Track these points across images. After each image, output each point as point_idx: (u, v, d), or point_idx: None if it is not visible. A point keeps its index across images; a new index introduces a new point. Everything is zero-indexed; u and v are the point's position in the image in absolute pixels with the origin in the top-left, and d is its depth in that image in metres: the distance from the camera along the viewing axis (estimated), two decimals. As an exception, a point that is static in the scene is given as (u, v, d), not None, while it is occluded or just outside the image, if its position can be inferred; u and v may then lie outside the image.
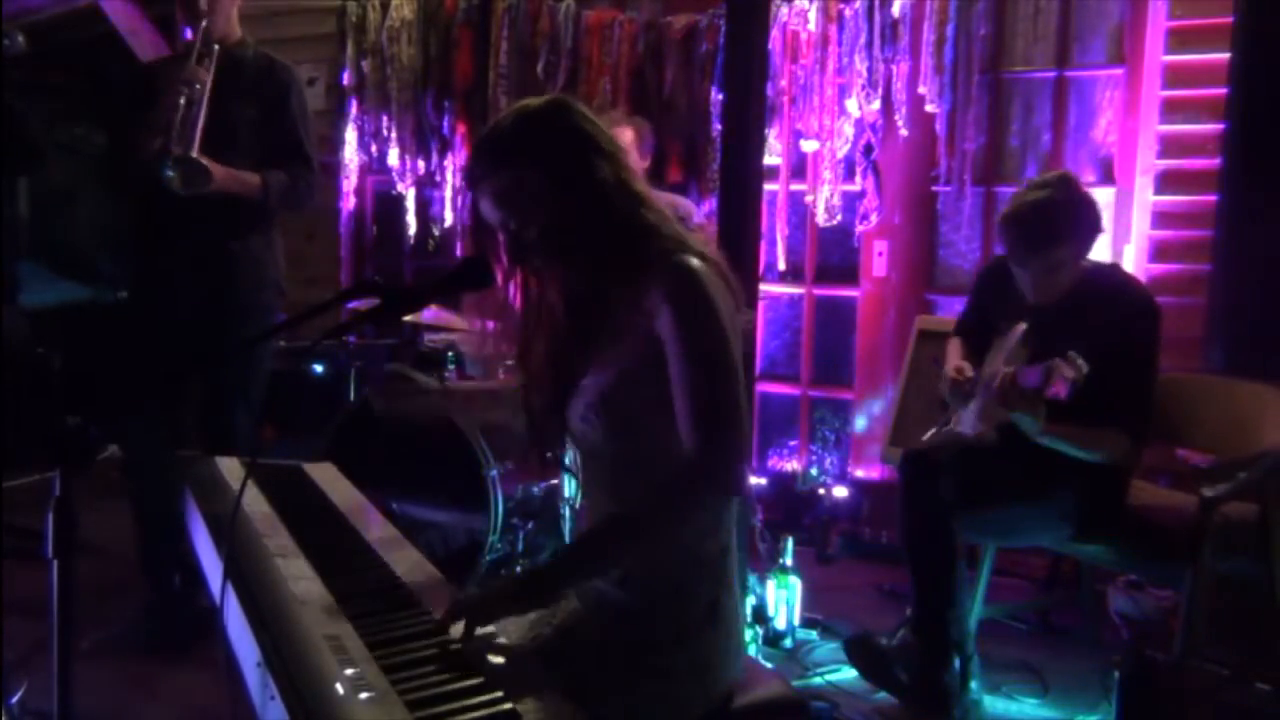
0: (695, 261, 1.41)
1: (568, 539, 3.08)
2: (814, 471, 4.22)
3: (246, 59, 3.00)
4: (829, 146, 3.95)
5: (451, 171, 4.67)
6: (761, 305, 3.77)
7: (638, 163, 3.64)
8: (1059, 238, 2.44)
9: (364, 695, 1.10)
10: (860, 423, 4.16)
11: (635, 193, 1.48)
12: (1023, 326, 2.52)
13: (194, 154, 2.73)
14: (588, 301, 1.51)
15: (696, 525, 1.45)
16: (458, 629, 1.28)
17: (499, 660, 1.25)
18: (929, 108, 3.78)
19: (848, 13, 3.87)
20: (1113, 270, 2.68)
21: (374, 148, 4.80)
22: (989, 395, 2.54)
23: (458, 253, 4.79)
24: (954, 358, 2.80)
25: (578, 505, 3.06)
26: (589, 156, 1.45)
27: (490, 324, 1.61)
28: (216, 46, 2.85)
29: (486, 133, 1.50)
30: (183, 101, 2.77)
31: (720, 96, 3.96)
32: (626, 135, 3.59)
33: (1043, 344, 2.38)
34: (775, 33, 3.90)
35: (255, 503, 1.79)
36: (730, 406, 1.38)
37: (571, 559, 1.49)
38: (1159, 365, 2.52)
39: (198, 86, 2.79)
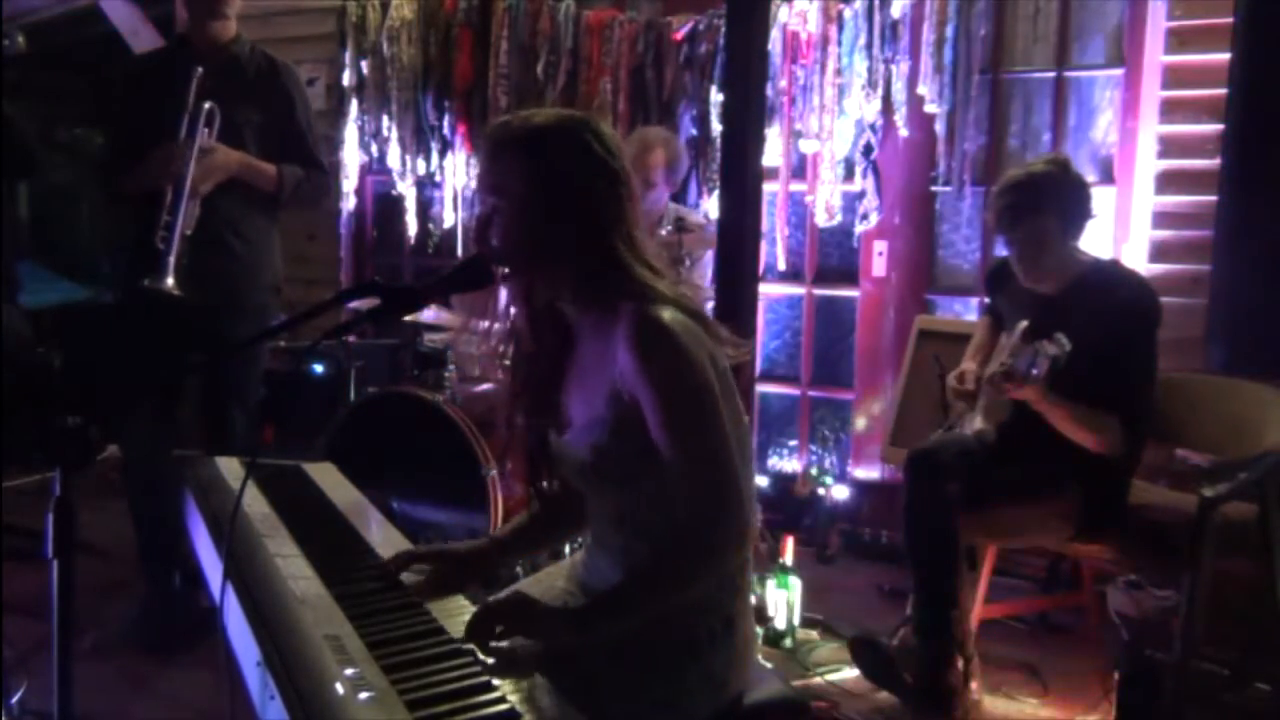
0: (666, 313, 1.38)
1: (567, 547, 3.07)
2: (814, 471, 4.21)
3: (244, 57, 2.99)
4: (829, 147, 3.94)
5: (451, 171, 4.67)
6: (761, 305, 3.77)
7: (660, 188, 3.65)
8: (1042, 207, 2.48)
9: (364, 695, 1.10)
10: (860, 423, 4.16)
11: (615, 226, 1.45)
12: (1024, 324, 2.53)
13: (168, 282, 2.73)
14: (549, 321, 1.53)
15: (711, 577, 1.42)
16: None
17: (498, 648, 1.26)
18: (929, 108, 3.77)
19: (848, 13, 3.87)
20: (1112, 265, 2.71)
21: (374, 148, 4.80)
22: (990, 394, 2.56)
23: (458, 253, 4.79)
24: (970, 351, 2.85)
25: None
26: (580, 177, 1.43)
27: (483, 324, 1.61)
28: (208, 105, 2.83)
29: (513, 116, 1.50)
30: (170, 193, 2.77)
31: (720, 96, 3.96)
32: (655, 156, 3.59)
33: (1044, 338, 2.39)
34: (775, 33, 3.90)
35: (255, 503, 1.79)
36: (714, 467, 1.35)
37: (607, 611, 1.38)
38: (1157, 358, 2.53)
39: (188, 169, 2.78)
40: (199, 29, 2.95)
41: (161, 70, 2.99)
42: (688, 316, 1.41)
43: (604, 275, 1.44)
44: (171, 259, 2.74)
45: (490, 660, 1.24)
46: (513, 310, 1.56)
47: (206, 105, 2.82)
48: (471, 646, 1.26)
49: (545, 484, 1.65)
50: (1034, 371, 2.28)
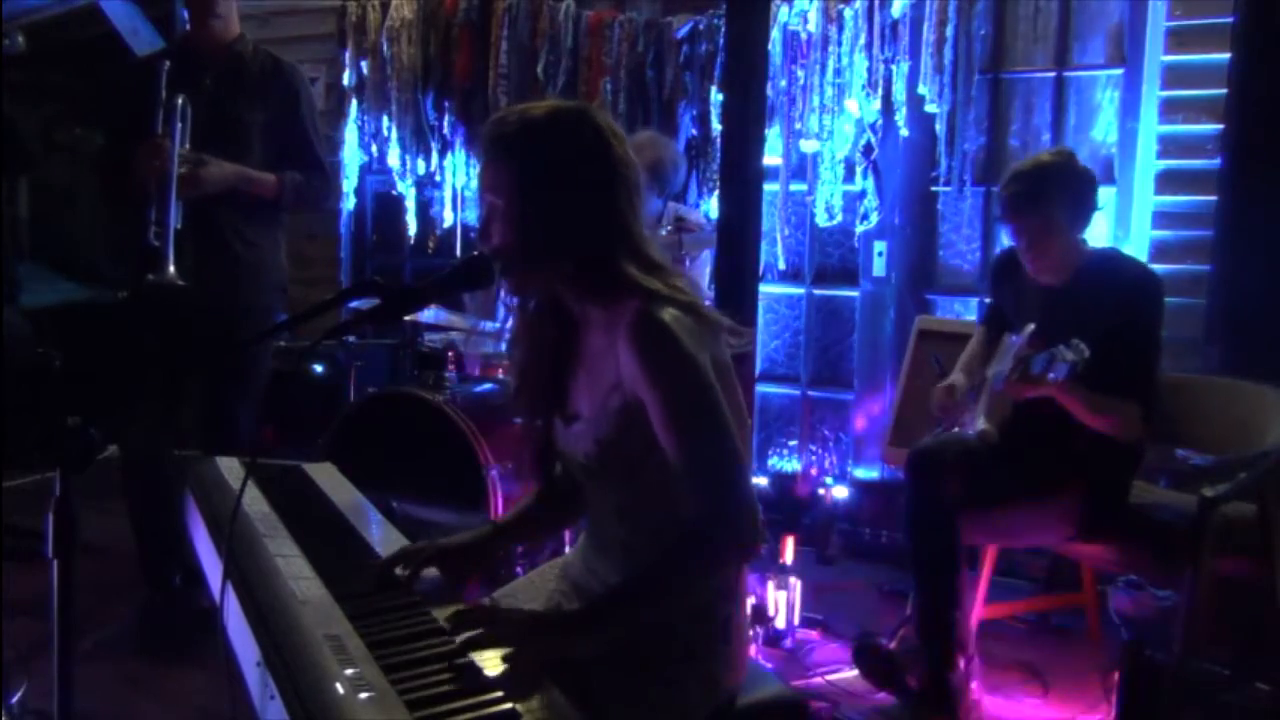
0: (667, 314, 1.37)
1: (567, 543, 3.08)
2: (814, 471, 4.21)
3: (247, 56, 2.98)
4: (829, 147, 3.94)
5: (451, 171, 4.67)
6: (761, 305, 3.76)
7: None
8: (1050, 195, 2.50)
9: (364, 695, 1.10)
10: (860, 423, 4.16)
11: (611, 219, 1.43)
12: (1031, 327, 2.54)
13: (169, 273, 2.74)
14: (553, 313, 1.53)
15: (718, 578, 1.43)
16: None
17: (500, 666, 1.25)
18: (929, 108, 3.78)
19: (848, 13, 3.87)
20: (1112, 253, 2.74)
21: (374, 148, 4.80)
22: (995, 393, 2.55)
23: (458, 253, 4.79)
24: (962, 362, 2.85)
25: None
26: (574, 169, 1.42)
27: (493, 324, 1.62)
28: (180, 100, 2.80)
29: (506, 112, 1.48)
30: (154, 186, 2.76)
31: (720, 96, 3.96)
32: (640, 157, 3.53)
33: (1052, 336, 2.39)
34: (775, 33, 3.90)
35: (255, 503, 1.79)
36: (723, 466, 1.35)
37: (605, 615, 1.38)
38: (1161, 340, 2.54)
39: (171, 163, 2.76)
40: (199, 29, 2.95)
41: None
42: (688, 314, 1.40)
43: (600, 272, 1.43)
44: (170, 251, 2.74)
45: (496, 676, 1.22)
46: (514, 305, 1.56)
47: (179, 100, 2.80)
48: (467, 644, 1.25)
49: (550, 467, 1.64)
50: (1051, 375, 2.28)
